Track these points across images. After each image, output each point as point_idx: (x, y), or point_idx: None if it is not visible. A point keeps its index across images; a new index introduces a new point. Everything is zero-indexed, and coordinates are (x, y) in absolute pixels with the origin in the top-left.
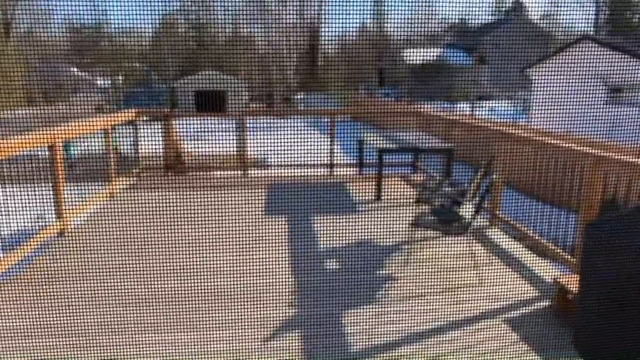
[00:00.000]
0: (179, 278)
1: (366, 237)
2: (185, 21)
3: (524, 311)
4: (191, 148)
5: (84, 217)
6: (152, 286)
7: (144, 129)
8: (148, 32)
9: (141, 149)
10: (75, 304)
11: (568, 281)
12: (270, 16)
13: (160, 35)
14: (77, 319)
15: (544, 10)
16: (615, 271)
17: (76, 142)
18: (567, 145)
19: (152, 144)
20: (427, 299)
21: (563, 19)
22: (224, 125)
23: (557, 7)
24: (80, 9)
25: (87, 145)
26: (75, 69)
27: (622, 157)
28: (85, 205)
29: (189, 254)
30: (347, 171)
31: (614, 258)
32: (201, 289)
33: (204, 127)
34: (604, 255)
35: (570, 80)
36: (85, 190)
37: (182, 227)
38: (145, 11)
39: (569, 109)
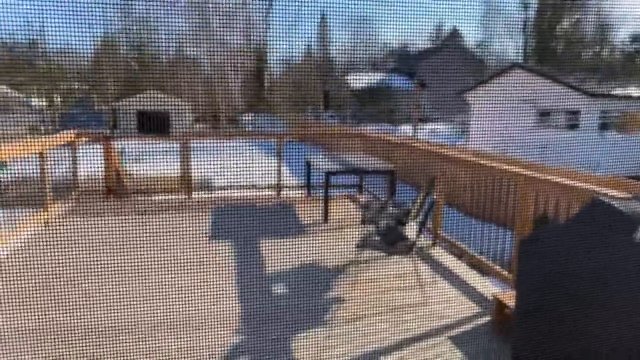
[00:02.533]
0: (120, 307)
1: (314, 260)
2: (127, 41)
3: (466, 328)
4: (134, 171)
5: (15, 244)
6: (92, 317)
7: (83, 151)
8: (87, 51)
9: (80, 171)
10: (4, 337)
11: (505, 297)
12: (216, 37)
13: (101, 55)
14: (7, 353)
15: (478, 39)
16: (546, 284)
17: (6, 164)
18: (500, 166)
19: (91, 167)
20: (373, 320)
21: (496, 47)
22: (167, 147)
23: (490, 36)
24: (12, 26)
25: (19, 168)
26: (5, 88)
27: (550, 177)
28: (16, 231)
29: (131, 281)
30: (294, 193)
31: (545, 272)
32: (144, 317)
33: (147, 149)
34: (536, 269)
35: (503, 105)
36: (16, 215)
37: (124, 254)
38: (85, 30)
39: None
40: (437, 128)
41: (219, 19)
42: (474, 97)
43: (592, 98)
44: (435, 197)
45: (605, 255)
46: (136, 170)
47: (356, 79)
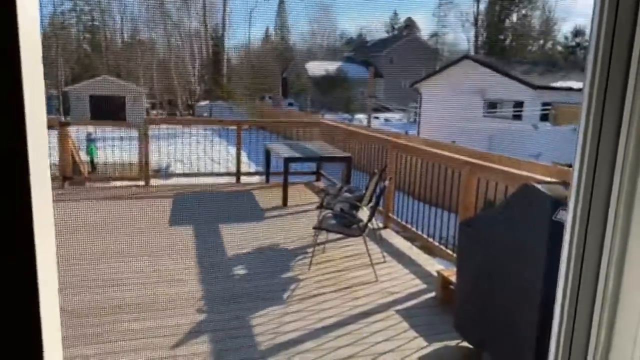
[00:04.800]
0: (85, 291)
1: (273, 242)
2: (78, 22)
3: (413, 302)
4: (100, 159)
5: None
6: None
7: None
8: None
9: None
10: None
11: (449, 274)
12: (172, 21)
13: (50, 36)
14: None
15: (432, 30)
16: (479, 261)
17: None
18: (448, 154)
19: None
20: (328, 297)
21: (449, 38)
22: (124, 134)
23: (444, 27)
24: None
25: None
26: None
27: (492, 164)
28: None
29: (93, 267)
30: (254, 180)
31: (479, 250)
32: (107, 301)
33: (104, 136)
34: (472, 248)
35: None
36: None
37: (84, 240)
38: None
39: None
40: (391, 117)
41: (175, 2)
42: (426, 87)
43: (535, 90)
44: (386, 183)
45: (530, 234)
46: (98, 158)
47: (315, 67)
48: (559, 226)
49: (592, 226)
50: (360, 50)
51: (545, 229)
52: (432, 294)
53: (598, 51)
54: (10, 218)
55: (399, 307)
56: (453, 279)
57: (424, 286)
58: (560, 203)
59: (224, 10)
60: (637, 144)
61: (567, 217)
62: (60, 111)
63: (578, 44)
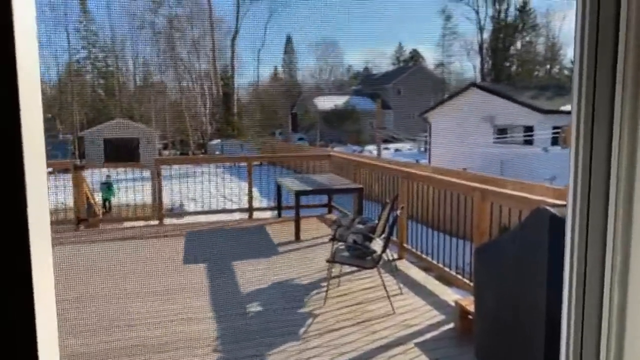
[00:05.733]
0: (97, 333)
1: (287, 277)
2: (93, 69)
3: (432, 334)
4: (116, 201)
5: None
6: (67, 345)
7: (51, 181)
8: (52, 79)
9: (49, 202)
10: None
11: (466, 304)
12: (182, 64)
13: (65, 83)
14: None
15: (437, 60)
16: (497, 288)
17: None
18: (459, 181)
19: (60, 197)
20: (345, 332)
21: (455, 67)
22: (137, 175)
23: (449, 56)
24: None
25: None
26: None
27: (503, 190)
28: None
29: (107, 307)
30: (266, 215)
31: (495, 277)
32: (122, 342)
33: (117, 178)
34: (488, 274)
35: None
36: None
37: (99, 281)
38: (48, 58)
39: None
40: (401, 147)
41: (186, 46)
42: (434, 116)
43: (543, 114)
44: (398, 213)
45: (545, 257)
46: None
47: (323, 101)
48: None
49: (591, 242)
50: (367, 83)
51: (561, 253)
52: (451, 325)
53: (582, 67)
54: (9, 264)
55: (418, 339)
56: (471, 308)
57: (442, 317)
58: None
59: (233, 51)
60: (629, 153)
61: (566, 236)
62: (75, 155)
63: None
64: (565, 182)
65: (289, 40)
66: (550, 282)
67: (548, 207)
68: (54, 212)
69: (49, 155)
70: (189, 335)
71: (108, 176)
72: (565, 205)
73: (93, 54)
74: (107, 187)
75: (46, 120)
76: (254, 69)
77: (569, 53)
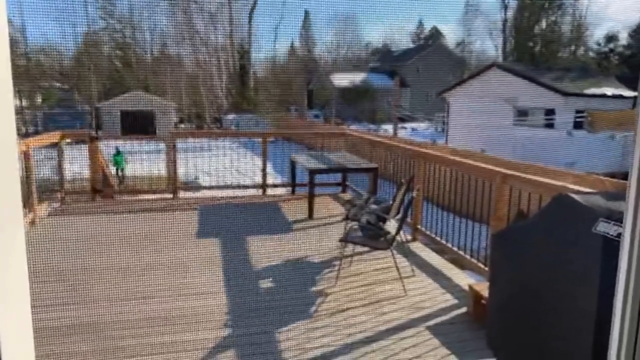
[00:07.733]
0: (111, 304)
1: (299, 255)
2: (110, 40)
3: (444, 318)
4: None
5: None
6: (81, 314)
7: (67, 151)
8: (69, 50)
9: (66, 172)
10: None
11: (481, 287)
12: (199, 37)
13: (83, 54)
14: None
15: (459, 38)
16: (514, 275)
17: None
18: (478, 164)
19: (76, 168)
20: (356, 312)
21: (476, 47)
22: (152, 148)
23: (470, 35)
24: None
25: None
26: None
27: (525, 174)
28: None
29: (121, 279)
30: (280, 191)
31: (513, 264)
32: (134, 315)
33: (132, 150)
34: (506, 261)
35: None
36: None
37: (113, 252)
38: (66, 29)
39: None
40: (417, 126)
41: (203, 18)
42: (453, 96)
43: (566, 97)
44: (414, 194)
45: (568, 247)
46: (124, 171)
47: (340, 78)
48: (599, 239)
49: None
50: (385, 60)
51: (584, 242)
52: (464, 309)
53: None
54: None
55: (430, 322)
56: (485, 293)
57: (455, 301)
58: (598, 215)
59: (250, 25)
60: None
61: (624, 230)
62: (92, 126)
63: (612, 50)
64: (585, 168)
65: (306, 15)
66: (573, 274)
67: (571, 194)
68: (71, 181)
69: (67, 126)
70: (199, 309)
71: (117, 147)
72: (588, 193)
73: (110, 25)
74: (117, 155)
75: (64, 92)
76: (270, 44)
77: (595, 34)
